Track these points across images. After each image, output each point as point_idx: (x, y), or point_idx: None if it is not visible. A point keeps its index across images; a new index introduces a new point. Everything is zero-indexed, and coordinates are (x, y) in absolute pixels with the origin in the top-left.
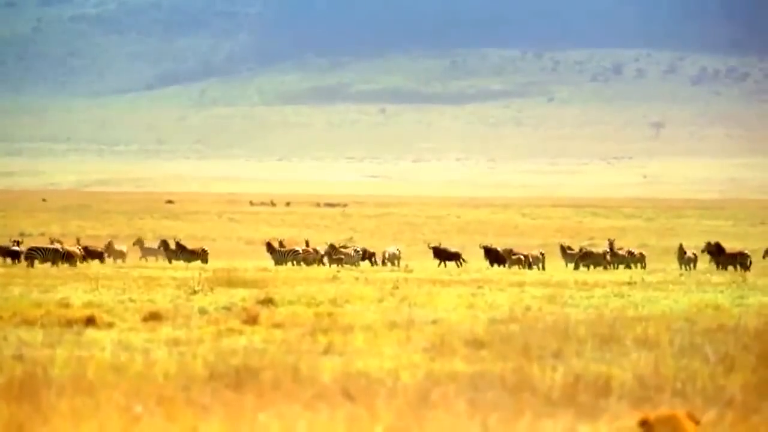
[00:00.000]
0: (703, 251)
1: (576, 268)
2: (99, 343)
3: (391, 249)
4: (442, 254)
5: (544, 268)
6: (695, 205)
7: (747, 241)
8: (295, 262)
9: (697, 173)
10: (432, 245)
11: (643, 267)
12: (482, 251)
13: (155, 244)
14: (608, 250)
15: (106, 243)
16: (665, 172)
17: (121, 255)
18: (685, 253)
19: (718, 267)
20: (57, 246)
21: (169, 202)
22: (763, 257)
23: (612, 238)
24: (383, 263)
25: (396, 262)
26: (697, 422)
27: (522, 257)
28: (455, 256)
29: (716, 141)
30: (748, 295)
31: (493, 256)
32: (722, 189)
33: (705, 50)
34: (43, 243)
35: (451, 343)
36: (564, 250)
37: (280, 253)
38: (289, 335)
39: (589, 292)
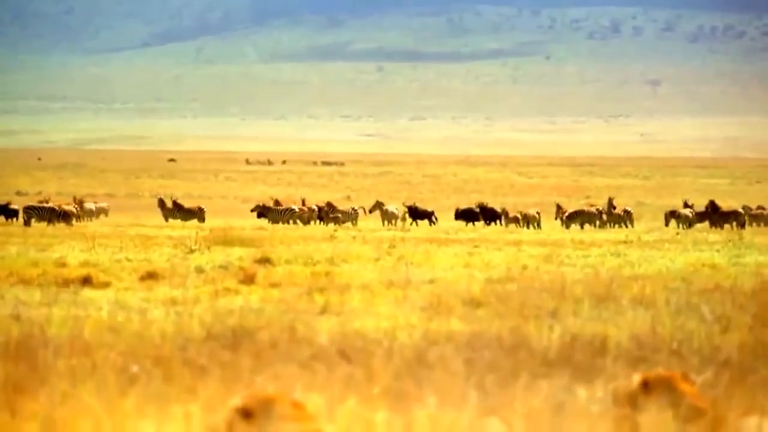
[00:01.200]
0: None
1: (567, 227)
2: (96, 303)
3: (391, 208)
4: (416, 213)
5: (539, 227)
6: (692, 163)
7: (744, 200)
8: (291, 221)
9: (693, 132)
10: (407, 204)
11: (631, 225)
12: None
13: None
14: (606, 208)
15: (77, 200)
16: (662, 131)
17: (91, 214)
18: (678, 215)
19: (712, 226)
20: (53, 204)
21: (171, 160)
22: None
23: (612, 197)
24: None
25: (394, 221)
26: (692, 384)
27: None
28: (428, 215)
29: (713, 99)
30: (744, 254)
31: (489, 214)
32: (719, 147)
33: (702, 8)
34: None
35: (447, 303)
36: (559, 209)
37: (276, 212)
38: (285, 295)
39: (586, 252)
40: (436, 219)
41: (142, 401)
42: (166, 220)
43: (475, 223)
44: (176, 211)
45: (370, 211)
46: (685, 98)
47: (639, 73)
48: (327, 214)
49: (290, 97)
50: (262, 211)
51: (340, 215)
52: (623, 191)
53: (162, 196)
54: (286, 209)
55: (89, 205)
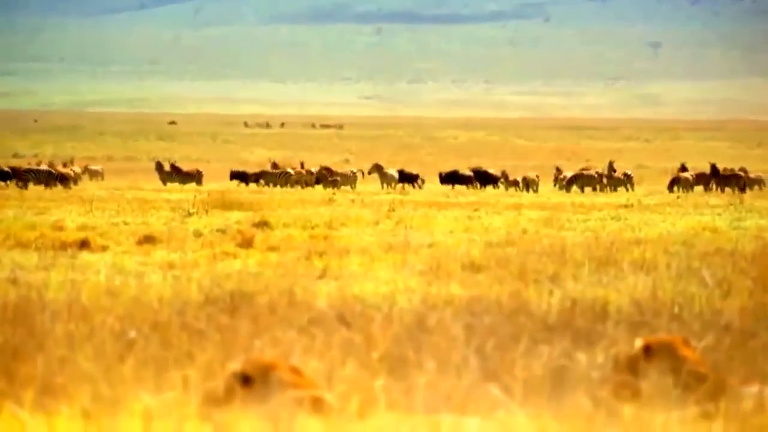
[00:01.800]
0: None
1: (567, 190)
2: (93, 267)
3: (390, 171)
4: (404, 176)
5: (537, 191)
6: (693, 126)
7: (745, 163)
8: (289, 185)
9: (694, 94)
10: (397, 169)
11: (631, 188)
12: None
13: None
14: (606, 171)
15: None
16: (663, 93)
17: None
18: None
19: (706, 188)
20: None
21: (172, 123)
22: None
23: (612, 160)
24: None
25: (393, 185)
26: (693, 349)
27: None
28: (414, 178)
29: (714, 62)
30: (745, 217)
31: (484, 178)
32: (720, 110)
33: None
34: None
35: (447, 267)
36: (559, 172)
37: (273, 175)
38: (284, 259)
39: (586, 215)
40: (422, 182)
41: (140, 366)
42: (164, 183)
43: (469, 186)
44: (174, 174)
45: (369, 173)
46: (686, 60)
47: (639, 35)
48: (325, 177)
49: (289, 60)
50: (238, 176)
51: (338, 178)
52: (624, 154)
53: (160, 160)
54: (282, 172)
55: (76, 169)
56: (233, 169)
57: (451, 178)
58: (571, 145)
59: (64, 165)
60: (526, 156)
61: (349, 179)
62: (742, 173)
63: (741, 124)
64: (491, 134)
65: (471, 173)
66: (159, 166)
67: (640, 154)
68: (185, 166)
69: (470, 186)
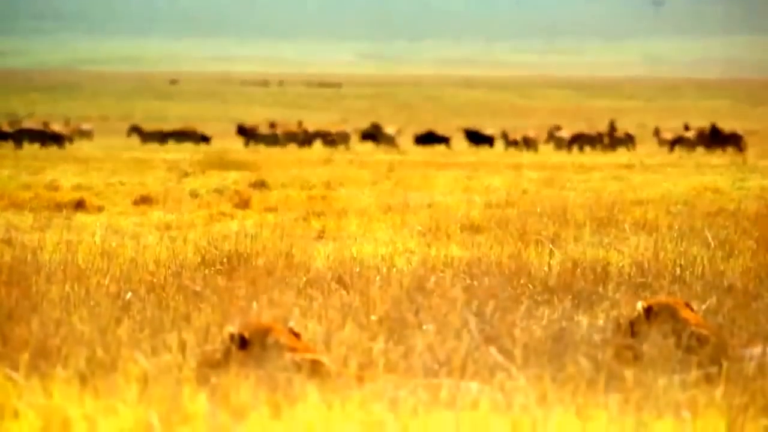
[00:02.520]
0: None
1: (568, 150)
2: (89, 228)
3: (389, 130)
4: (375, 134)
5: (536, 150)
6: (695, 84)
7: (747, 121)
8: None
9: (696, 53)
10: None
11: (633, 148)
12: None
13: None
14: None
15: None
16: (665, 52)
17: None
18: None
19: (709, 147)
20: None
21: (173, 81)
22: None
23: (613, 119)
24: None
25: (392, 142)
26: (695, 311)
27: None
28: (390, 138)
29: (716, 19)
30: (747, 177)
31: (475, 138)
32: (722, 68)
33: None
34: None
35: (446, 228)
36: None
37: (272, 135)
38: (282, 219)
39: (587, 175)
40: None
41: (136, 328)
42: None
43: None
44: (166, 135)
45: (365, 135)
46: (688, 18)
47: None
48: (325, 137)
49: (287, 18)
50: (243, 132)
51: (334, 138)
52: (625, 113)
53: (136, 124)
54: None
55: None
56: (240, 124)
57: (426, 138)
58: (572, 104)
59: (66, 124)
60: (527, 115)
61: (344, 138)
62: (741, 133)
63: (743, 82)
64: (491, 93)
65: (446, 135)
66: (135, 130)
67: (642, 113)
68: (182, 125)
69: (448, 146)
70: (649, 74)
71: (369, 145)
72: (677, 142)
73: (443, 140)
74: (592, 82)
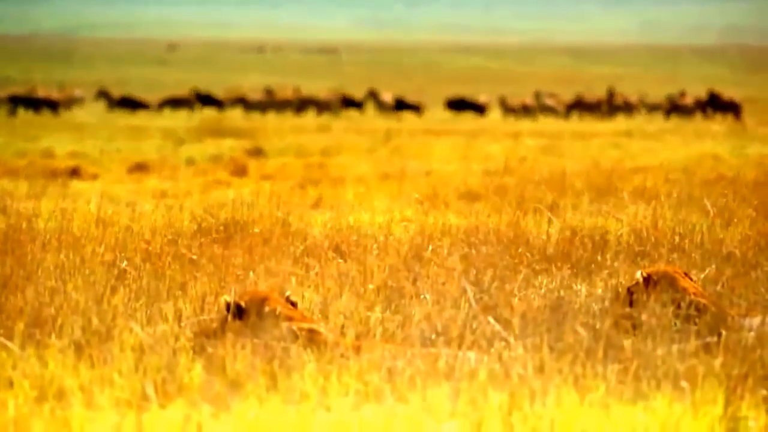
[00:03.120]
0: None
1: (566, 116)
2: (84, 195)
3: (386, 97)
4: (346, 100)
5: (535, 117)
6: (694, 51)
7: (745, 89)
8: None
9: (695, 19)
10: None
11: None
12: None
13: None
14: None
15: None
16: (663, 18)
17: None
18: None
19: (705, 114)
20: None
21: (171, 48)
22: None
23: (611, 86)
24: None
25: (390, 111)
26: (693, 280)
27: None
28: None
29: None
30: (747, 144)
31: (459, 106)
32: (721, 35)
33: None
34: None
35: (444, 196)
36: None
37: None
38: (278, 188)
39: (586, 143)
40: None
41: (132, 298)
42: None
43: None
44: (123, 103)
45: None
46: None
47: None
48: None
49: None
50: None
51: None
52: (624, 80)
53: (104, 88)
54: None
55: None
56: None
57: (398, 106)
58: (571, 71)
59: (60, 90)
60: (525, 82)
61: (334, 105)
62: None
63: (742, 48)
64: (490, 59)
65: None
66: (103, 95)
67: (641, 80)
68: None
69: (420, 113)
70: (648, 41)
71: (365, 112)
72: (674, 109)
73: (475, 108)
74: (591, 48)
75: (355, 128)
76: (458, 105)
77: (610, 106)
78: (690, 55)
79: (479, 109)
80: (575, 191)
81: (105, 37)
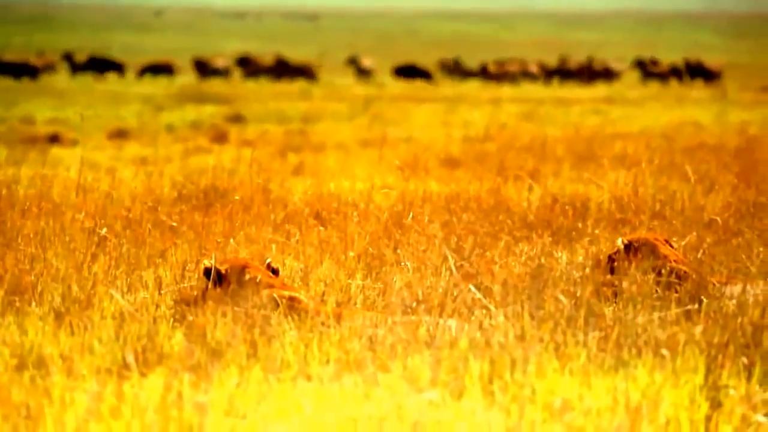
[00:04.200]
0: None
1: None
2: (64, 162)
3: (367, 63)
4: (287, 68)
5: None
6: (678, 16)
7: (729, 55)
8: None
9: None
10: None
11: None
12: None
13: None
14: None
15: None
16: None
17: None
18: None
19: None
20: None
21: (158, 14)
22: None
23: (590, 55)
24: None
25: (370, 78)
26: (674, 247)
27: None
28: (303, 72)
29: None
30: (728, 111)
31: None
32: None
33: None
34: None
35: (425, 163)
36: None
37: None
38: (259, 154)
39: (566, 109)
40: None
41: (112, 265)
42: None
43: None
44: (91, 65)
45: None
46: None
47: None
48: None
49: None
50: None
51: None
52: (608, 46)
53: (69, 51)
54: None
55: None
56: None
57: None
58: (555, 37)
59: (40, 56)
60: (508, 48)
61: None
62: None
63: (727, 15)
64: (473, 25)
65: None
66: (66, 57)
67: (624, 46)
68: (158, 59)
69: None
70: (633, 6)
71: (346, 78)
72: (649, 75)
73: (421, 75)
74: (575, 14)
75: (335, 95)
76: (407, 72)
77: (589, 72)
78: (673, 21)
79: (426, 75)
80: (556, 158)
81: (89, 3)
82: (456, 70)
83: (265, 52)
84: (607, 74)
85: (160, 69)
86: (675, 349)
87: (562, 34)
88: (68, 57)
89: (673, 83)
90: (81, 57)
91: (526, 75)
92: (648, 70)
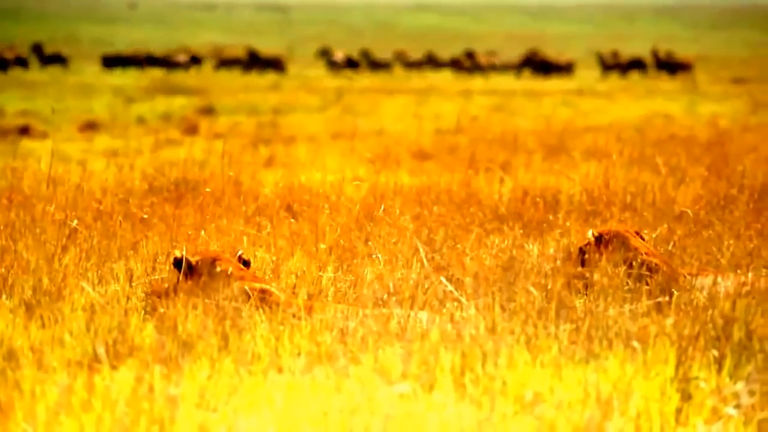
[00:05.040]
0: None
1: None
2: (34, 154)
3: (338, 56)
4: (258, 60)
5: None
6: (650, 9)
7: (700, 47)
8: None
9: None
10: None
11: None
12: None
13: None
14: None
15: None
16: None
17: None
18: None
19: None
20: None
21: (131, 5)
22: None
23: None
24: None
25: (341, 70)
26: (645, 240)
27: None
28: (275, 63)
29: None
30: (699, 102)
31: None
32: None
33: None
34: None
35: (396, 155)
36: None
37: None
38: (230, 146)
39: (537, 101)
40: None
41: (83, 257)
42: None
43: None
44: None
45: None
46: None
47: None
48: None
49: None
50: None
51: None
52: (577, 39)
53: (39, 42)
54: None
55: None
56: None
57: (114, 61)
58: (526, 30)
59: (10, 49)
60: (480, 41)
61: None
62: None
63: (699, 7)
64: (445, 18)
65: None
66: (36, 49)
67: (595, 38)
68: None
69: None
70: None
71: (317, 70)
72: (609, 68)
73: (382, 65)
74: (547, 5)
75: (306, 87)
76: (332, 63)
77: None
78: (646, 12)
79: (384, 66)
80: (527, 150)
81: None
82: (428, 62)
83: (235, 44)
84: (565, 68)
85: (129, 61)
86: (646, 341)
87: (534, 27)
88: (37, 49)
89: (635, 76)
90: (50, 49)
91: (494, 69)
92: (607, 63)
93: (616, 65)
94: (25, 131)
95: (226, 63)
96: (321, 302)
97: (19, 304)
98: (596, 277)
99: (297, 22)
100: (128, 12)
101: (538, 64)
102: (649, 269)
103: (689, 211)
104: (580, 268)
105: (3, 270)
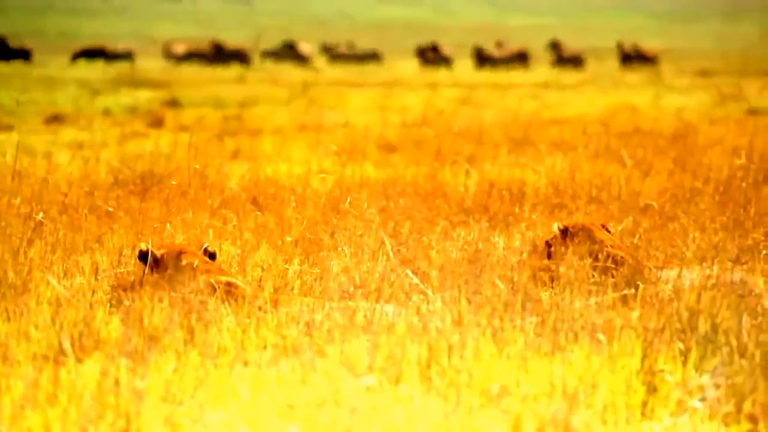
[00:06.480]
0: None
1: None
2: None
3: (304, 47)
4: (223, 52)
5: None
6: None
7: (666, 39)
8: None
9: None
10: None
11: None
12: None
13: None
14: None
15: None
16: None
17: None
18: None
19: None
20: None
21: None
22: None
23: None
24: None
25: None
26: (611, 232)
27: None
28: (239, 56)
29: None
30: (664, 95)
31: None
32: None
33: None
34: None
35: (362, 148)
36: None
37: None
38: (196, 139)
39: (503, 94)
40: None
41: (48, 251)
42: None
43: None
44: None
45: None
46: None
47: None
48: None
49: None
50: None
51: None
52: (541, 31)
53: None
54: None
55: None
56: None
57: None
58: (488, 21)
59: None
60: (442, 32)
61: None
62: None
63: None
64: (407, 9)
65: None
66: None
67: (558, 30)
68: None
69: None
70: None
71: (282, 63)
72: (561, 60)
73: (301, 58)
74: None
75: (271, 79)
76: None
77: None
78: (611, 4)
79: (302, 59)
80: (493, 143)
81: None
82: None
83: (200, 36)
84: (520, 58)
85: (95, 54)
86: (611, 334)
87: (497, 19)
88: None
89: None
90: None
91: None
92: (561, 55)
93: (567, 58)
94: None
95: (191, 56)
96: (287, 295)
97: None
98: (562, 269)
99: (261, 14)
100: (94, 3)
101: (485, 59)
102: (615, 262)
103: (655, 203)
104: (545, 261)
105: None
